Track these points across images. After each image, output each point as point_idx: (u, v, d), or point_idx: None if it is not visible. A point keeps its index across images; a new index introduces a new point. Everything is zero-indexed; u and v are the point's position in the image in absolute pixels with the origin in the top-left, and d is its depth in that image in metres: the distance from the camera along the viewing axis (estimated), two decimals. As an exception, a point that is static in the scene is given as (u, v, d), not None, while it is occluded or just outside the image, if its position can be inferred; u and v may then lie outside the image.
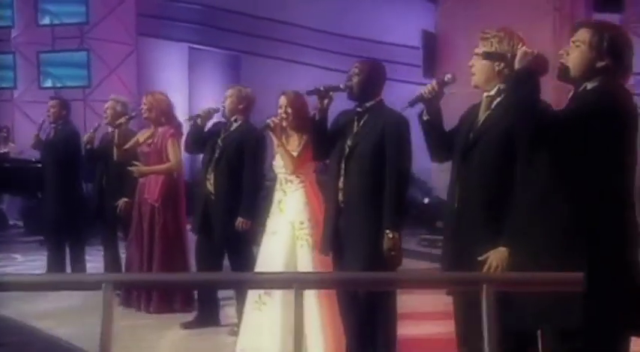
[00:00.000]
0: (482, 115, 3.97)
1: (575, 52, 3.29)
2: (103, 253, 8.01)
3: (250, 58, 14.38)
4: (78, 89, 12.54)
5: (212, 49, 14.42)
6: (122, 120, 7.26)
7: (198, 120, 6.38)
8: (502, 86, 3.91)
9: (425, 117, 4.14)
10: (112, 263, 7.86)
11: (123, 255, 7.85)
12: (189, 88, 14.23)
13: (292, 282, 2.55)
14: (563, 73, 3.31)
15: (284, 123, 5.63)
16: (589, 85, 3.28)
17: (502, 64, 3.87)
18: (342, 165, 4.91)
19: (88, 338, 6.16)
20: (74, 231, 8.24)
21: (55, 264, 8.28)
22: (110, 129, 7.74)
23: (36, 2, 12.53)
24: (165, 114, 7.11)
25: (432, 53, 11.17)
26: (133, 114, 7.40)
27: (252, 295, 5.73)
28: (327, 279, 3.16)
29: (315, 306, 5.45)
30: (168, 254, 6.96)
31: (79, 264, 8.19)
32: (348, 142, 4.92)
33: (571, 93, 3.35)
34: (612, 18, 12.62)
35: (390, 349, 4.98)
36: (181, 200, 7.11)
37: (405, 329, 5.36)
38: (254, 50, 14.32)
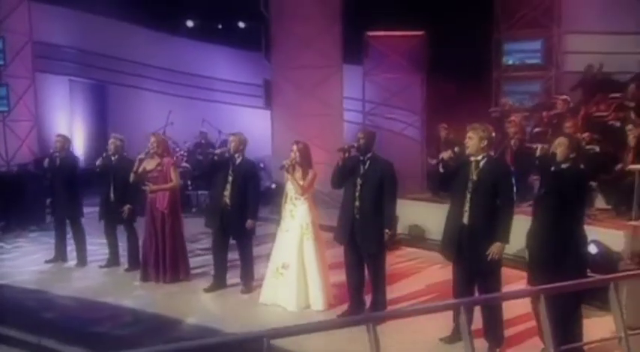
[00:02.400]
0: (474, 171, 5.01)
1: (559, 149, 4.55)
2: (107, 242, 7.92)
3: (114, 88, 14.00)
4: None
5: (86, 80, 13.76)
6: (142, 155, 7.25)
7: (215, 158, 6.73)
8: (484, 154, 5.01)
9: (441, 170, 5.14)
10: (113, 247, 7.89)
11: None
12: (70, 110, 13.55)
13: (263, 336, 2.51)
14: (553, 158, 4.55)
15: (294, 162, 6.24)
16: (564, 166, 4.56)
17: (486, 142, 4.98)
18: (357, 194, 5.73)
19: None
20: (75, 224, 8.04)
21: (60, 242, 8.12)
22: (112, 157, 7.68)
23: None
24: (166, 150, 7.35)
25: (269, 93, 11.87)
26: (147, 151, 7.29)
27: (272, 267, 6.36)
28: (302, 329, 3.04)
29: (313, 250, 6.15)
30: (175, 245, 7.21)
31: (81, 246, 8.01)
32: (359, 180, 5.75)
33: (553, 169, 4.60)
34: (356, 68, 13.74)
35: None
36: (180, 207, 7.36)
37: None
38: (117, 81, 13.91)
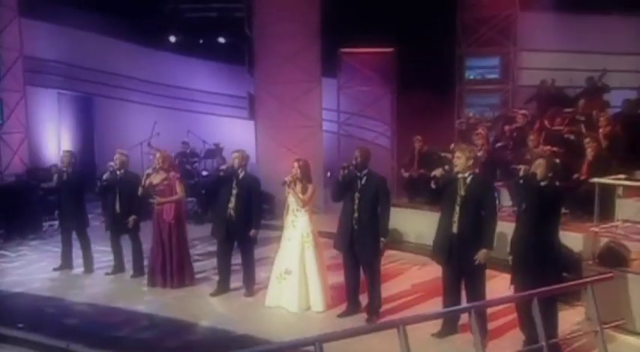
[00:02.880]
0: (461, 187, 5.45)
1: (539, 169, 5.03)
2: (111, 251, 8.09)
3: (101, 100, 14.02)
4: (-6, 126, 11.53)
5: (73, 93, 13.76)
6: (149, 170, 7.45)
7: (221, 173, 7.01)
8: (470, 172, 5.45)
9: (434, 186, 5.56)
10: (118, 255, 8.06)
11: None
12: (58, 121, 13.54)
13: (315, 341, 2.65)
14: (533, 177, 5.02)
15: (295, 178, 6.56)
16: (542, 183, 5.04)
17: (472, 161, 5.43)
18: (355, 207, 6.10)
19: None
20: (82, 233, 8.16)
21: (67, 251, 8.23)
22: (118, 171, 7.85)
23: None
24: (171, 165, 7.59)
25: (253, 105, 12.13)
26: (154, 166, 7.49)
27: (275, 272, 6.65)
28: (346, 334, 3.12)
29: (313, 257, 6.45)
30: (181, 252, 7.44)
31: (87, 253, 8.15)
32: (357, 194, 6.11)
33: (533, 186, 5.07)
34: (331, 81, 14.02)
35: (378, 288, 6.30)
36: (184, 217, 7.61)
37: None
38: (102, 93, 13.94)
